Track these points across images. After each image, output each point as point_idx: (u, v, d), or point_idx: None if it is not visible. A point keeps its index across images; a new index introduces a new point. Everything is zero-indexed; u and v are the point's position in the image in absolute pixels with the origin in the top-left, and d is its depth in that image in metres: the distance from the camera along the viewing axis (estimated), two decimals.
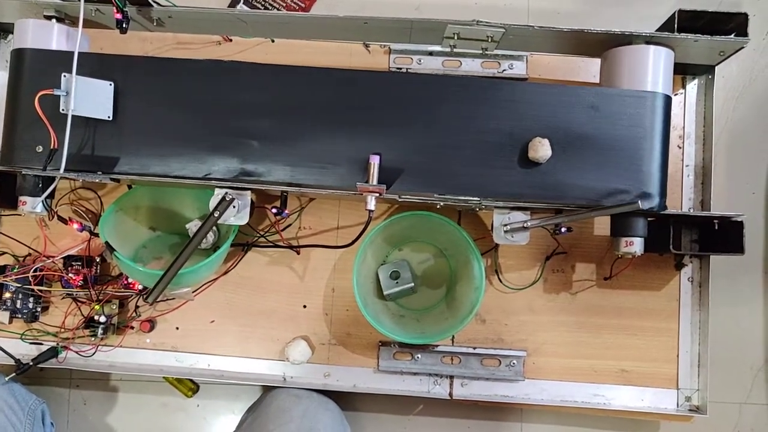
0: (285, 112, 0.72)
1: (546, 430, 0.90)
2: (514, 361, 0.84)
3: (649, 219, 0.75)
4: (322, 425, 0.80)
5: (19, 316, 0.85)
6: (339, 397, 0.87)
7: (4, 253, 0.87)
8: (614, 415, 0.86)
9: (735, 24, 0.72)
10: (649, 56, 0.72)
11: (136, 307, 0.86)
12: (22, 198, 0.75)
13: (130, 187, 0.83)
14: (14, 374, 0.82)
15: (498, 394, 0.84)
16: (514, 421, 0.90)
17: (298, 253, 0.86)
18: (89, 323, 0.84)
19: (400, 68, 0.87)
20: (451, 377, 0.84)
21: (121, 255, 0.75)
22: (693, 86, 0.87)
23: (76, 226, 0.81)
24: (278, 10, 0.96)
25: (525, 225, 0.73)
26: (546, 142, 0.69)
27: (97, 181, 0.74)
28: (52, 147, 0.69)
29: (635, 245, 0.73)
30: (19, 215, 0.82)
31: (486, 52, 0.78)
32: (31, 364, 0.82)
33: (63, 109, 0.68)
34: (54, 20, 0.75)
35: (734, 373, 0.89)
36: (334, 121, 0.71)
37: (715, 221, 0.76)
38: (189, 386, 0.91)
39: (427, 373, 0.84)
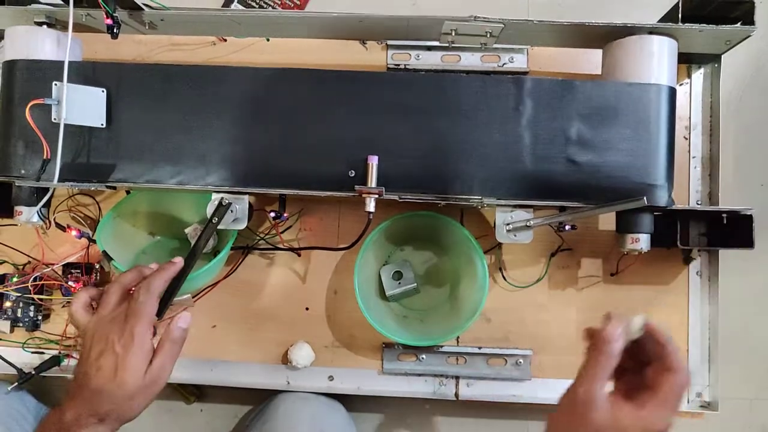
0: (281, 115, 0.70)
1: None
2: (521, 360, 0.82)
3: (655, 213, 0.73)
4: (331, 427, 0.80)
5: (20, 325, 0.84)
6: (343, 399, 0.87)
7: (4, 262, 0.86)
8: None
9: (741, 12, 0.70)
10: (652, 47, 0.70)
11: None
12: (17, 208, 0.75)
13: (128, 192, 0.82)
14: (17, 383, 0.81)
15: (505, 394, 0.83)
16: (521, 420, 0.89)
17: (299, 255, 0.85)
18: None
19: (398, 64, 0.86)
20: (457, 377, 0.83)
21: (119, 264, 0.74)
22: (699, 75, 0.85)
23: (74, 233, 0.80)
24: (273, 8, 0.94)
25: (528, 224, 0.71)
26: None
27: (92, 189, 0.74)
28: (45, 157, 0.68)
29: (641, 242, 0.72)
30: (16, 225, 0.82)
31: (485, 47, 0.76)
32: (33, 373, 0.81)
33: (55, 119, 0.66)
34: (45, 26, 0.74)
35: (745, 368, 0.88)
36: (331, 122, 0.70)
37: (724, 215, 0.74)
38: (191, 391, 0.91)
39: (432, 374, 0.83)
